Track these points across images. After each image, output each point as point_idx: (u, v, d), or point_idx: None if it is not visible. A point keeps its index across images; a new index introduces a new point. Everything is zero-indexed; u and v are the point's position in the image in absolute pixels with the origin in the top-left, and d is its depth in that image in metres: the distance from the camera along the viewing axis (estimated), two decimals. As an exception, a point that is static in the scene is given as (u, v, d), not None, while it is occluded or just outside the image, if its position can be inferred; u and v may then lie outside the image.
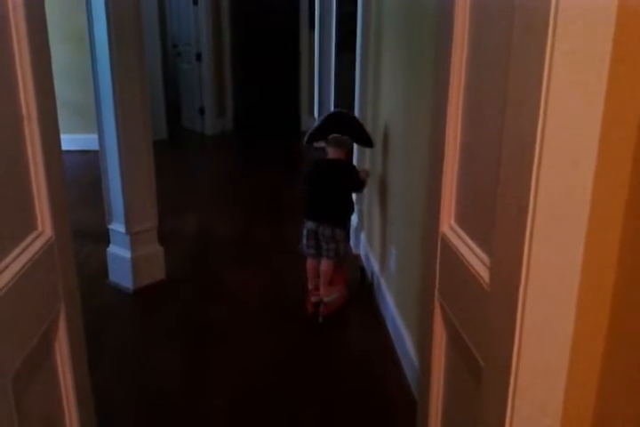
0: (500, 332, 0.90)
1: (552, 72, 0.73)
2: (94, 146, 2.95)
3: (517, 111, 0.82)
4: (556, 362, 0.85)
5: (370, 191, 3.17)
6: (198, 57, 6.58)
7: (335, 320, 2.74)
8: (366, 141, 2.77)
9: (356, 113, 3.41)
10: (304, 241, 2.79)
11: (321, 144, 2.82)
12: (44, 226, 1.19)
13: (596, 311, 0.82)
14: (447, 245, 1.18)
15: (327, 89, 5.91)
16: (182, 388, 2.24)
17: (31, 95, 1.10)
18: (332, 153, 2.74)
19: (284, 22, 7.01)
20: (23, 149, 1.11)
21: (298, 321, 2.75)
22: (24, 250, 1.09)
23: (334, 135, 2.68)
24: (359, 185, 2.82)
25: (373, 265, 3.07)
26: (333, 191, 2.75)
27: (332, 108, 5.03)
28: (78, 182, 4.59)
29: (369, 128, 3.07)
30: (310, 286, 2.86)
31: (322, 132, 2.72)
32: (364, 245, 3.39)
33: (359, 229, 3.50)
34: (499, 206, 0.90)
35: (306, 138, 2.75)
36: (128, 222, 2.90)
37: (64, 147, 1.32)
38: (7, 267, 1.02)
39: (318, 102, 6.15)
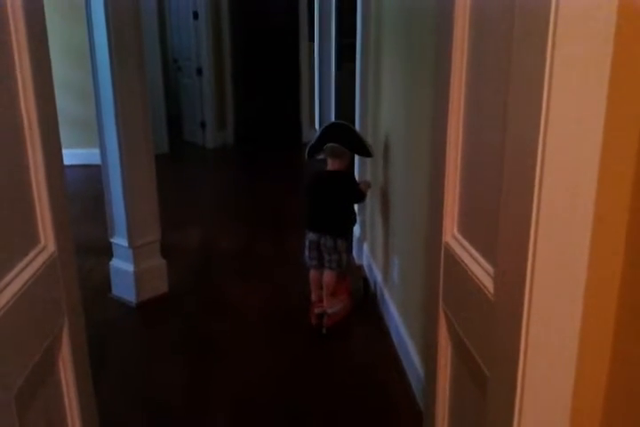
0: (505, 342, 0.89)
1: (552, 78, 0.73)
2: (96, 160, 2.96)
3: (519, 119, 0.82)
4: (562, 372, 0.84)
5: (372, 201, 3.17)
6: (199, 71, 6.61)
7: (339, 331, 2.73)
8: (365, 151, 2.77)
9: (357, 124, 3.42)
10: (306, 253, 2.79)
11: (322, 156, 2.83)
12: (47, 240, 1.19)
13: (601, 321, 0.82)
14: (451, 255, 1.18)
15: (328, 101, 5.94)
16: (185, 401, 2.23)
17: (32, 107, 1.11)
18: (331, 164, 2.74)
19: (284, 35, 7.05)
20: (25, 164, 1.12)
21: (301, 333, 2.73)
22: (27, 265, 1.09)
23: (330, 145, 2.68)
24: (359, 196, 2.82)
25: (376, 275, 3.06)
26: (333, 202, 2.75)
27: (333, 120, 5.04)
28: (80, 197, 4.60)
29: (370, 139, 3.07)
30: (314, 298, 2.85)
31: (321, 144, 2.73)
32: (366, 255, 3.38)
33: (362, 239, 3.50)
34: (502, 216, 0.90)
35: (306, 152, 2.77)
36: (130, 236, 2.90)
37: (66, 162, 1.32)
38: (10, 282, 1.02)
39: (319, 114, 6.17)
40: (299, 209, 3.46)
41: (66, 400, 1.29)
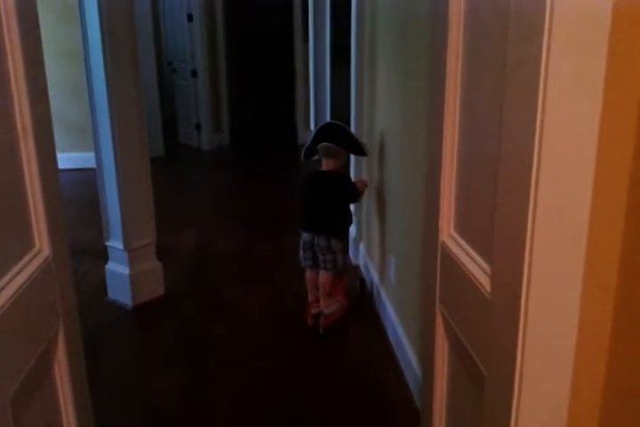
0: (502, 340, 0.89)
1: (548, 80, 0.73)
2: (91, 164, 2.95)
3: (515, 119, 0.82)
4: (559, 370, 0.84)
5: (368, 201, 3.17)
6: (194, 73, 6.61)
7: (336, 331, 2.73)
8: (360, 150, 2.77)
9: (352, 124, 3.42)
10: (301, 253, 2.79)
11: (318, 157, 2.83)
12: (42, 244, 1.18)
13: (598, 319, 0.82)
14: (447, 254, 1.18)
15: (323, 101, 5.94)
16: (182, 404, 2.22)
17: (26, 110, 1.10)
18: (325, 164, 2.74)
19: (279, 36, 7.05)
20: (19, 167, 1.11)
21: (298, 334, 2.73)
22: (22, 269, 1.08)
23: (324, 144, 2.68)
24: (354, 195, 2.81)
25: (373, 275, 3.06)
26: (326, 202, 2.75)
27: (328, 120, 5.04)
28: (75, 200, 4.58)
29: (365, 139, 3.07)
30: (310, 298, 2.85)
31: (316, 144, 2.72)
32: (363, 255, 3.38)
33: (358, 239, 3.50)
34: (498, 215, 0.90)
35: (303, 154, 2.76)
36: (126, 239, 2.89)
37: (60, 166, 1.32)
38: (5, 286, 1.01)
39: (314, 115, 6.17)
40: (295, 210, 3.46)
41: (62, 404, 1.29)
